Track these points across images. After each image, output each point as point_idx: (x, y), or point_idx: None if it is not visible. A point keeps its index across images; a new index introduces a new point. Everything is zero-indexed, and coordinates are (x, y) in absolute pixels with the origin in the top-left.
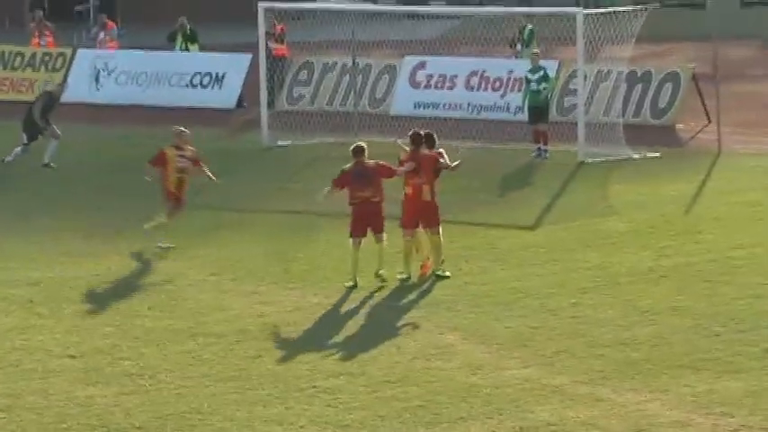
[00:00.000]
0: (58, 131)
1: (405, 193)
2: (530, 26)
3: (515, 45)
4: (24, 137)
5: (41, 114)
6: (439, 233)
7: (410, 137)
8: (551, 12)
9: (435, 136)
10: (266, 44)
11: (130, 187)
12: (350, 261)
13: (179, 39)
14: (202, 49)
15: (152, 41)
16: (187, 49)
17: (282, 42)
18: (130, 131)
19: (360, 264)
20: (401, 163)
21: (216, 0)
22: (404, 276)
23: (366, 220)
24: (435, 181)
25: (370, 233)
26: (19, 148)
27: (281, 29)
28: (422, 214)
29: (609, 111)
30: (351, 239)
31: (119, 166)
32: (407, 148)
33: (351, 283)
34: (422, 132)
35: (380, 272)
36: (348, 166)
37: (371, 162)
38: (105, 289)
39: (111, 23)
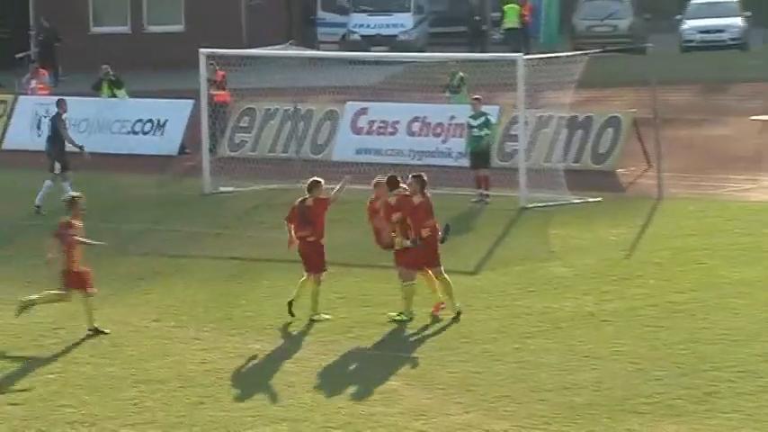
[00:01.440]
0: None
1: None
2: (460, 73)
3: (445, 91)
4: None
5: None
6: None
7: (414, 179)
8: (492, 57)
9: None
10: (207, 90)
11: None
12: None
13: (104, 86)
14: (141, 95)
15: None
16: (114, 96)
17: (223, 89)
18: (73, 178)
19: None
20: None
21: (157, 47)
22: (402, 318)
23: (305, 259)
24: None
25: None
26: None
27: (222, 75)
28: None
29: (550, 156)
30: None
31: (57, 214)
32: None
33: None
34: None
35: (313, 316)
36: (298, 201)
37: (311, 200)
38: (47, 336)
39: (42, 71)
